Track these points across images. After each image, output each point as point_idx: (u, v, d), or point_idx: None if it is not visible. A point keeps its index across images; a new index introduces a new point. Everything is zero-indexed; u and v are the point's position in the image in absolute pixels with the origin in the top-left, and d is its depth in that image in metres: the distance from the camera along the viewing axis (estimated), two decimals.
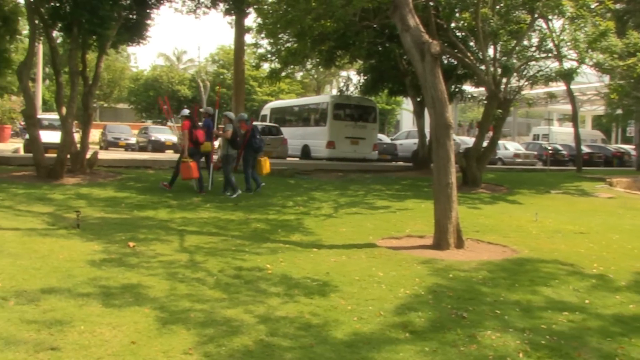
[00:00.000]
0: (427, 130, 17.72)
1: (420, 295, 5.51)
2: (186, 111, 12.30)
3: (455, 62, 17.27)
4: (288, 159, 21.65)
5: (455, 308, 5.14)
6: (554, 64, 16.09)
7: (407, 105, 42.89)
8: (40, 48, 27.29)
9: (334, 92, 45.42)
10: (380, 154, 22.53)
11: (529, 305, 5.31)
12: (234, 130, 12.04)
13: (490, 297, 5.52)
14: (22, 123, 26.76)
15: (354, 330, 4.53)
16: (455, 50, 14.08)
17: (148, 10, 15.05)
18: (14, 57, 19.37)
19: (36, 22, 13.00)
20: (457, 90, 19.49)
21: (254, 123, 13.12)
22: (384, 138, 27.67)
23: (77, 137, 14.27)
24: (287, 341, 4.25)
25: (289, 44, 17.03)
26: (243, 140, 12.26)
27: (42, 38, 14.95)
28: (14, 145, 23.71)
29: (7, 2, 16.60)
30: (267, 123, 24.57)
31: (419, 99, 18.93)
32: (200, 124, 12.54)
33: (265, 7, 15.26)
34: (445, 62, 17.21)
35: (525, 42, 15.28)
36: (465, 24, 14.87)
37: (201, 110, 13.60)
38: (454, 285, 5.87)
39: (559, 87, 22.68)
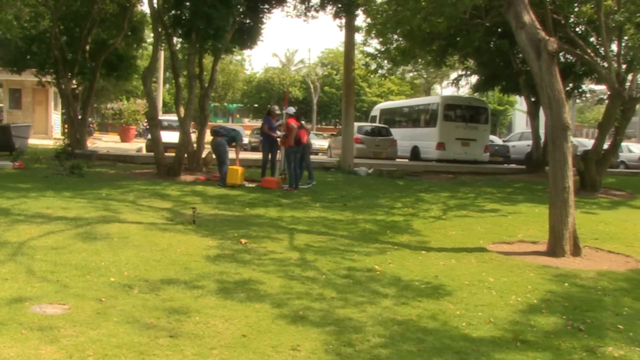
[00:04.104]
0: (542, 131, 16.96)
1: (532, 304, 5.28)
2: (292, 109, 13.21)
3: (574, 59, 16.36)
4: (397, 160, 21.55)
5: (571, 319, 4.87)
6: None
7: (520, 105, 41.22)
8: (161, 54, 29.09)
9: (445, 92, 44.60)
10: (491, 156, 21.84)
11: None
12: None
13: (612, 309, 5.17)
14: (145, 124, 28.64)
15: (462, 336, 4.43)
16: (574, 47, 13.33)
17: (260, 15, 15.59)
18: (139, 63, 20.88)
19: (159, 29, 13.89)
20: (575, 89, 18.46)
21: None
22: (496, 139, 26.74)
23: (193, 137, 15.07)
24: (393, 343, 4.23)
25: (398, 43, 16.94)
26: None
27: (163, 45, 15.93)
28: (137, 145, 25.47)
29: (135, 14, 17.91)
30: (377, 124, 24.59)
31: (533, 99, 18.14)
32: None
33: (374, 7, 15.25)
34: (562, 59, 16.36)
35: None
36: (586, 19, 14.03)
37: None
38: (569, 295, 5.57)
39: None
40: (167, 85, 45.94)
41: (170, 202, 9.93)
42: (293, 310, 4.81)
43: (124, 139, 30.40)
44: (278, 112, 13.69)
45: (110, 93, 34.72)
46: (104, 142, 27.74)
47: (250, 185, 12.56)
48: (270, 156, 13.32)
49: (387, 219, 9.57)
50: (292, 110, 13.11)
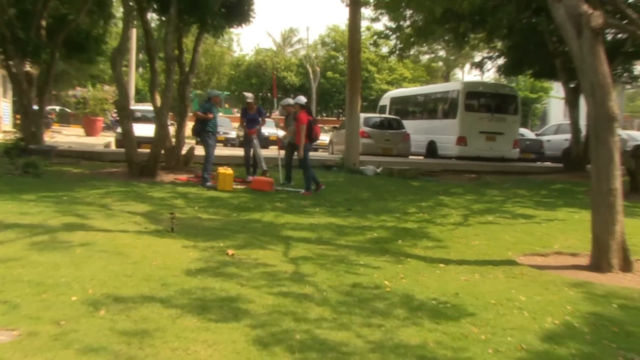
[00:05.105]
0: (582, 123, 16.94)
1: (573, 328, 5.24)
2: (302, 99, 12.92)
3: (624, 37, 16.31)
4: (411, 157, 21.56)
5: (621, 348, 4.81)
6: None
7: (556, 92, 41.22)
8: (134, 33, 29.05)
9: (467, 78, 44.54)
10: (522, 153, 21.91)
11: None
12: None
13: None
14: (115, 115, 28.60)
15: None
16: (625, 22, 13.25)
17: None
18: (107, 43, 20.84)
19: (130, 3, 13.86)
20: (624, 72, 18.45)
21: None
22: (528, 133, 26.83)
23: (171, 130, 15.04)
24: None
25: (412, 19, 16.94)
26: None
27: (136, 22, 15.89)
28: (105, 139, 25.48)
29: None
30: (387, 115, 24.60)
31: (572, 85, 18.14)
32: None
33: None
34: (609, 37, 16.32)
35: None
36: None
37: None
38: (619, 318, 5.53)
39: None
40: (141, 70, 45.97)
41: (145, 207, 9.91)
42: (288, 334, 4.77)
43: (89, 132, 30.40)
44: (250, 100, 13.73)
45: (73, 78, 34.73)
46: (65, 135, 27.75)
47: (239, 186, 12.55)
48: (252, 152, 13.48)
49: (399, 225, 9.57)
50: (303, 99, 12.96)
